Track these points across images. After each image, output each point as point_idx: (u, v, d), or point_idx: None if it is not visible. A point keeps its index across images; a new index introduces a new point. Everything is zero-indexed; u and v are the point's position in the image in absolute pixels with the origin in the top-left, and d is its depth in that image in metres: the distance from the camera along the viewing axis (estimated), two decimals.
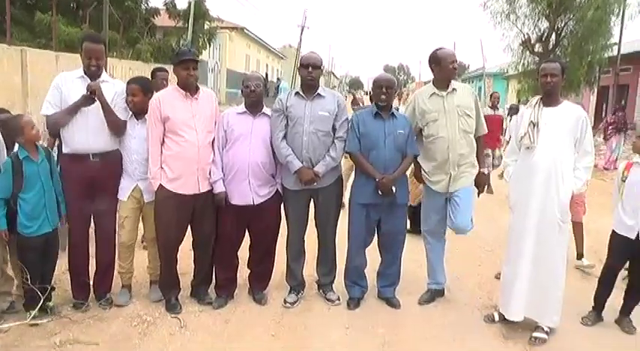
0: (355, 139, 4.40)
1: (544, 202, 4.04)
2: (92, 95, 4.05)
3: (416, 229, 5.35)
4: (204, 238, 4.46)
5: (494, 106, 10.17)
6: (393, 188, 4.32)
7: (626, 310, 4.40)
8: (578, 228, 5.66)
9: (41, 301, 4.04)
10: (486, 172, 4.81)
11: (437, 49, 4.54)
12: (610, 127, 14.19)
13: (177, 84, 4.30)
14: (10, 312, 4.23)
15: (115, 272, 4.59)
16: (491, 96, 10.83)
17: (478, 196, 4.81)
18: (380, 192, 4.32)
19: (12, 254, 4.25)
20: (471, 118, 4.49)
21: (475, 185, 4.64)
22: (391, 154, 4.34)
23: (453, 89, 4.47)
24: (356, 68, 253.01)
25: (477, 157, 4.60)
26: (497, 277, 5.20)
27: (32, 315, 4.03)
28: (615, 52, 22.11)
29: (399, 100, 14.15)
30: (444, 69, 4.45)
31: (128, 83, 4.39)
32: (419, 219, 4.89)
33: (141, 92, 4.33)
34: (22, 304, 4.20)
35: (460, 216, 4.48)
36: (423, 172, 4.58)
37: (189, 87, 4.24)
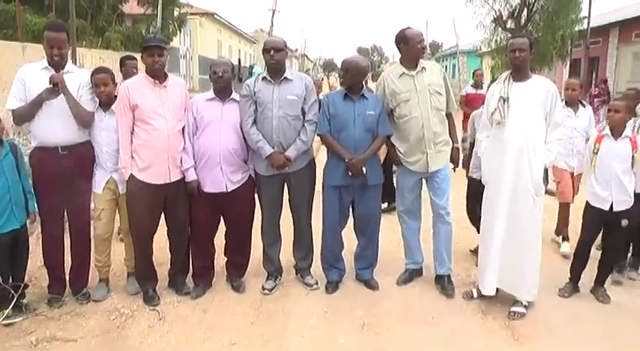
0: (325, 120, 4.38)
1: (517, 177, 4.07)
2: (55, 88, 3.96)
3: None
4: (179, 226, 4.42)
5: (477, 85, 9.93)
6: (364, 169, 4.31)
7: (600, 279, 4.47)
8: (562, 209, 5.67)
9: (14, 300, 3.97)
10: (461, 149, 4.80)
11: (404, 29, 4.51)
12: (596, 100, 14.30)
13: (146, 71, 4.24)
14: None
15: (92, 266, 4.53)
16: (473, 74, 10.49)
17: (454, 170, 4.82)
18: (350, 173, 4.31)
19: None
20: (442, 96, 4.48)
21: (450, 161, 4.64)
22: (361, 134, 4.32)
23: (422, 68, 4.45)
24: (329, 50, 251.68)
25: (449, 133, 4.59)
26: (472, 251, 5.26)
27: (5, 314, 3.94)
28: (585, 26, 22.36)
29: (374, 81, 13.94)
30: (412, 48, 4.43)
31: (95, 73, 4.29)
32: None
33: (111, 81, 4.27)
34: None
35: (441, 197, 4.52)
36: (398, 152, 4.56)
37: (157, 74, 4.18)
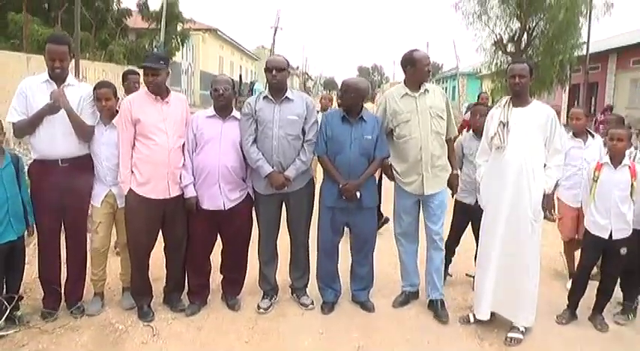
0: (322, 142, 4.39)
1: (516, 202, 4.07)
2: (56, 103, 3.98)
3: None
4: (176, 243, 4.41)
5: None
6: (358, 194, 4.32)
7: (598, 307, 4.45)
8: (566, 246, 5.42)
9: (7, 311, 3.95)
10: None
11: (412, 51, 4.54)
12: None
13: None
14: None
15: (87, 279, 4.50)
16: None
17: (452, 196, 4.82)
18: (344, 197, 4.33)
19: None
20: (442, 120, 4.49)
21: (448, 186, 4.64)
22: (356, 159, 4.33)
23: (425, 90, 4.47)
24: (330, 69, 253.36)
25: (449, 158, 4.60)
26: (467, 275, 5.23)
27: None
28: (584, 51, 22.58)
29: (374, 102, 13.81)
30: (419, 71, 4.45)
31: (98, 88, 4.31)
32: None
33: (113, 96, 4.30)
34: None
35: (436, 223, 4.53)
36: (394, 172, 4.56)
37: (154, 92, 4.19)
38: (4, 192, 3.94)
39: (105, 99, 4.25)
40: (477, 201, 4.80)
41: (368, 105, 6.60)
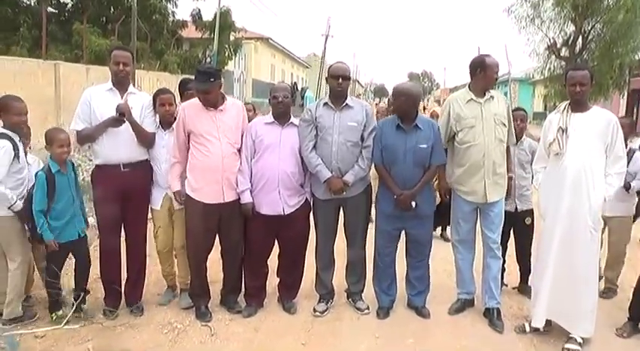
0: (378, 151, 4.40)
1: (575, 209, 4.00)
2: (121, 117, 4.14)
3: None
4: (232, 246, 4.50)
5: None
6: (413, 203, 4.32)
7: None
8: None
9: (76, 303, 4.22)
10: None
11: (484, 55, 4.53)
12: None
13: None
14: (25, 321, 4.28)
15: (149, 278, 4.71)
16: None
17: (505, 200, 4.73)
18: (399, 207, 4.35)
19: (38, 260, 4.47)
20: (505, 127, 4.47)
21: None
22: (411, 169, 4.33)
23: (491, 97, 4.45)
24: (380, 76, 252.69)
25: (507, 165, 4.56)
26: (514, 288, 5.15)
27: (67, 319, 4.15)
28: None
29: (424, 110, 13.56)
30: (488, 77, 4.43)
31: (160, 94, 4.48)
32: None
33: (174, 100, 4.47)
34: (48, 307, 4.35)
35: (494, 231, 4.51)
36: (452, 179, 4.54)
37: (209, 106, 4.24)
38: (71, 194, 4.25)
39: (168, 104, 4.42)
40: (516, 208, 4.84)
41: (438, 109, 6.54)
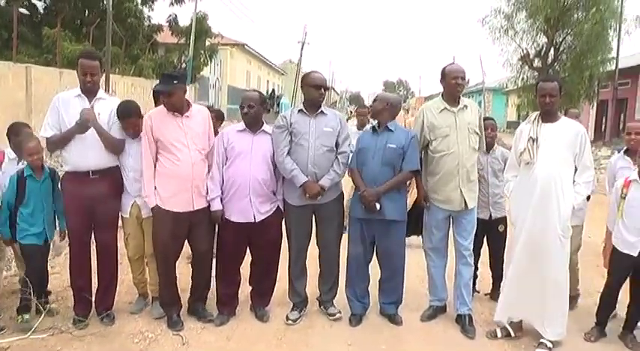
0: (354, 155, 4.51)
1: (545, 217, 4.07)
2: (85, 123, 4.09)
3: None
4: (201, 254, 4.48)
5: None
6: (377, 205, 4.33)
7: (629, 325, 4.38)
8: None
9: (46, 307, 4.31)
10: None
11: (447, 64, 4.60)
12: None
13: None
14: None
15: (118, 288, 4.63)
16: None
17: None
18: (363, 206, 4.36)
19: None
20: (478, 136, 4.55)
21: None
22: (379, 168, 4.37)
23: (465, 106, 4.52)
24: (356, 83, 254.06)
25: None
26: (487, 294, 5.22)
27: (33, 328, 4.11)
28: (613, 67, 22.26)
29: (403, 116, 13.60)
30: (448, 84, 4.49)
31: (127, 118, 4.30)
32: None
33: (139, 119, 4.35)
34: (16, 309, 4.32)
35: (466, 238, 4.56)
36: (426, 189, 4.58)
37: (173, 110, 4.24)
38: (42, 203, 4.24)
39: (133, 127, 4.32)
40: (491, 216, 4.92)
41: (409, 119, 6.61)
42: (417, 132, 4.58)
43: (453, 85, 4.49)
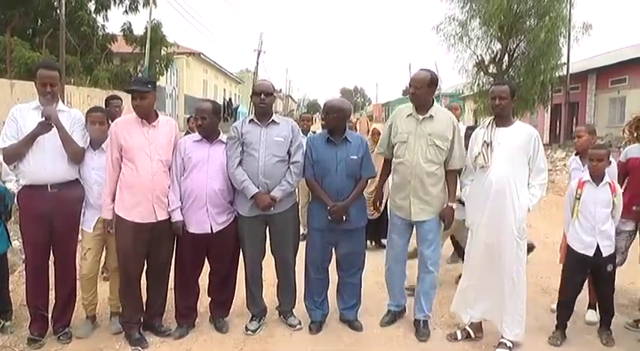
0: (309, 165, 4.42)
1: (500, 219, 4.13)
2: (48, 121, 3.98)
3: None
4: (160, 266, 4.40)
5: None
6: (344, 217, 4.35)
7: (605, 323, 4.50)
8: None
9: None
10: (454, 207, 4.52)
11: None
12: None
13: None
14: None
15: (78, 304, 4.48)
16: (449, 108, 10.50)
17: (444, 229, 4.63)
18: (331, 219, 4.35)
19: None
20: (440, 149, 4.35)
21: (440, 218, 4.47)
22: (343, 180, 4.36)
23: (431, 115, 4.37)
24: (313, 91, 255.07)
25: (448, 191, 4.48)
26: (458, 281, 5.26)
27: None
28: (565, 72, 22.93)
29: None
30: (409, 91, 4.51)
31: (92, 111, 4.37)
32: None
33: (105, 119, 4.36)
34: None
35: (427, 247, 4.50)
36: (389, 191, 4.58)
37: (141, 115, 4.20)
38: None
39: (99, 122, 4.30)
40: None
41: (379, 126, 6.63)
42: (385, 134, 4.59)
43: (410, 92, 4.51)
